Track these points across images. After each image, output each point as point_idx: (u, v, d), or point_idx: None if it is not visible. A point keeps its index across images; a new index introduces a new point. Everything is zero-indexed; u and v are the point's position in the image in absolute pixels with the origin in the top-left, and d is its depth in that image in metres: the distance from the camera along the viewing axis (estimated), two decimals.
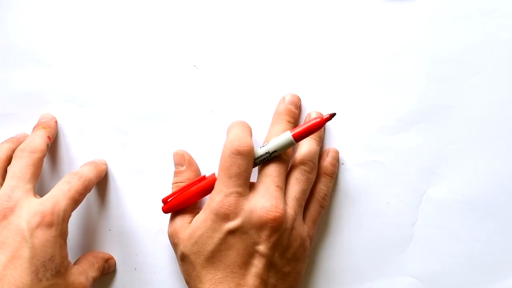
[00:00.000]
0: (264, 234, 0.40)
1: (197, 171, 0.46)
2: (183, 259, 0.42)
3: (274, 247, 0.41)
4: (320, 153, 0.46)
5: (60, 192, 0.40)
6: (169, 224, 0.44)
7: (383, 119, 0.47)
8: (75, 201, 0.41)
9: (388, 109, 0.47)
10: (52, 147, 0.48)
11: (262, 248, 0.40)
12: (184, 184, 0.44)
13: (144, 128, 0.48)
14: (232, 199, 0.41)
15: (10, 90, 0.48)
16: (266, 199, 0.41)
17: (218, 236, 0.40)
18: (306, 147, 0.44)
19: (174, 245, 0.43)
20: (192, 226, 0.42)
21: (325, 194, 0.45)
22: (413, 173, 0.47)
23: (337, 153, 0.46)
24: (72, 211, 0.41)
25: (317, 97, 0.48)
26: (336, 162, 0.46)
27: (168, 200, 0.44)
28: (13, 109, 0.49)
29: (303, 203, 0.44)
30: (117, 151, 0.48)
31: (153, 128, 0.48)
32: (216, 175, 0.43)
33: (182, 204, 0.43)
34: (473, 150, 0.47)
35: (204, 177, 0.44)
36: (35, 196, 0.41)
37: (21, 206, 0.40)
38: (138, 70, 0.48)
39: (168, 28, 0.48)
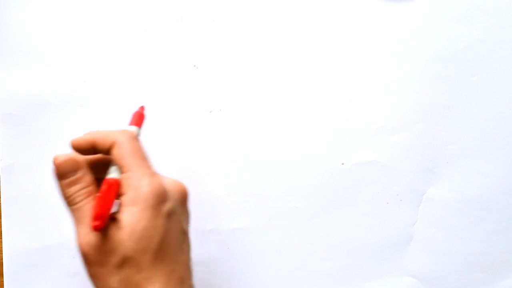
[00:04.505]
0: (184, 209, 0.38)
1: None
2: (124, 264, 0.35)
3: (187, 222, 0.38)
4: None
5: None
6: (82, 239, 0.35)
7: (383, 119, 0.47)
8: None
9: (388, 109, 0.47)
10: (52, 147, 0.48)
11: (185, 226, 0.37)
12: (86, 190, 0.37)
13: (144, 128, 0.48)
14: (157, 179, 0.36)
15: (10, 90, 0.48)
16: (167, 177, 0.38)
17: (161, 222, 0.35)
18: None
19: (108, 254, 0.35)
20: (130, 223, 0.35)
21: None
22: (413, 173, 0.47)
23: None
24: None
25: (317, 97, 0.48)
26: None
27: (97, 215, 0.35)
28: (13, 109, 0.49)
29: None
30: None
31: (154, 128, 0.48)
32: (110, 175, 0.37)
33: (108, 213, 0.36)
34: (473, 150, 0.47)
35: (111, 179, 0.37)
36: None
37: None
38: (138, 70, 0.48)
39: (168, 28, 0.48)
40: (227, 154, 0.48)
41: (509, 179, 0.47)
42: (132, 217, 0.35)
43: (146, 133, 0.48)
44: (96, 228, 0.34)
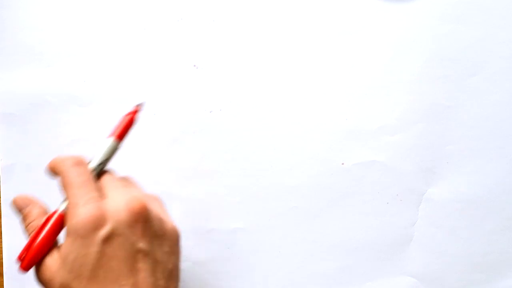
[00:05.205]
0: (139, 228, 0.37)
1: (43, 206, 0.41)
2: None
3: (152, 240, 0.38)
4: None
5: None
6: (36, 270, 0.38)
7: (383, 119, 0.47)
8: None
9: (388, 109, 0.47)
10: (52, 147, 0.48)
11: (142, 245, 0.37)
12: (34, 223, 0.39)
13: (144, 128, 0.48)
14: (91, 206, 0.36)
15: (10, 90, 0.48)
16: (124, 194, 0.38)
17: (94, 250, 0.36)
18: None
19: (49, 282, 0.37)
20: (62, 254, 0.36)
21: None
22: (413, 173, 0.47)
23: None
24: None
25: (317, 97, 0.48)
26: None
27: (23, 257, 0.37)
28: (13, 109, 0.49)
29: None
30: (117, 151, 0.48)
31: (153, 128, 0.48)
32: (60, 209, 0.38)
33: (42, 250, 0.37)
34: (473, 150, 0.47)
35: (53, 212, 0.38)
36: None
37: None
38: (138, 70, 0.48)
39: (168, 28, 0.48)
40: (227, 154, 0.48)
41: (509, 179, 0.47)
42: (64, 249, 0.36)
43: (146, 133, 0.48)
44: (21, 269, 0.37)
